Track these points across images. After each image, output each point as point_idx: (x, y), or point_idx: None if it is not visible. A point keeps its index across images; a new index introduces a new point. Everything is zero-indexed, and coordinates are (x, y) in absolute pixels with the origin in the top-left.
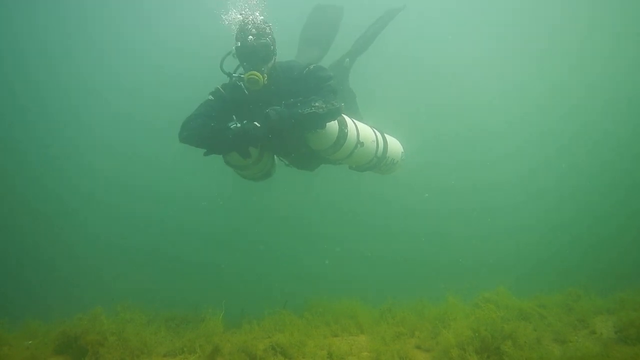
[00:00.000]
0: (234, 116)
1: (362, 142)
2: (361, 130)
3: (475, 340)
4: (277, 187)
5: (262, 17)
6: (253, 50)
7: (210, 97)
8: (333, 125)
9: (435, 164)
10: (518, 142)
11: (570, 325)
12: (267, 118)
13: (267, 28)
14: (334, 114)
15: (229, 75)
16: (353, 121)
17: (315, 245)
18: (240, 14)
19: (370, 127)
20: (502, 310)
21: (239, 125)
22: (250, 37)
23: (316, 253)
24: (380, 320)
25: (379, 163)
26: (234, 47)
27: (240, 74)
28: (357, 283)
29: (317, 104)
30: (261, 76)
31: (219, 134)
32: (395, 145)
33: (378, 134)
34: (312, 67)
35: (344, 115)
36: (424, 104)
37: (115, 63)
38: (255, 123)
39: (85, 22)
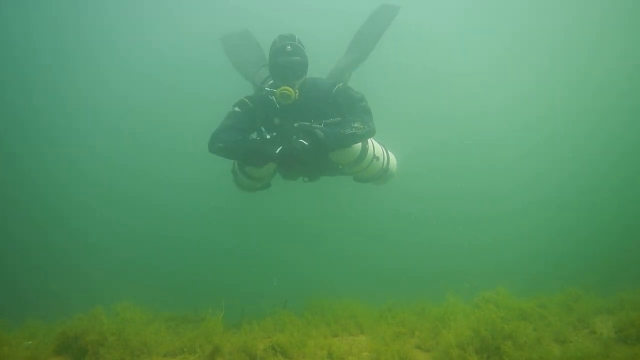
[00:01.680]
0: (262, 128)
1: (377, 157)
2: (375, 144)
3: (475, 340)
4: (277, 191)
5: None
6: (288, 65)
7: (237, 108)
8: None
9: (438, 169)
10: (518, 145)
11: (570, 325)
12: (315, 137)
13: (302, 45)
14: (370, 135)
15: (260, 88)
16: None
17: (315, 247)
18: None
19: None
20: (502, 311)
21: (268, 137)
22: (287, 53)
23: (316, 254)
24: (380, 320)
25: (383, 174)
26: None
27: (273, 89)
28: (357, 283)
29: (356, 125)
30: (293, 91)
31: (263, 148)
32: (392, 156)
33: (382, 146)
34: (340, 85)
35: None
36: (426, 110)
37: (113, 72)
38: (302, 141)
39: (81, 29)
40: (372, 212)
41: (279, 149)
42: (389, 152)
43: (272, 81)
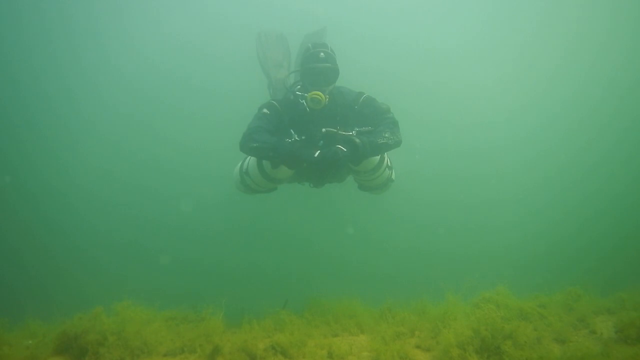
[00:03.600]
0: (292, 131)
1: (390, 166)
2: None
3: (475, 339)
4: (278, 193)
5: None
6: (321, 71)
7: (266, 110)
8: None
9: (442, 173)
10: (518, 133)
11: (570, 325)
12: (354, 144)
13: (334, 53)
14: (398, 145)
15: (291, 91)
16: None
17: (316, 248)
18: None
19: None
20: (502, 310)
21: (297, 139)
22: (320, 59)
23: (316, 254)
24: (380, 320)
25: (387, 183)
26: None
27: (304, 93)
28: (357, 283)
29: (386, 135)
30: (324, 96)
31: (302, 151)
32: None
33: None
34: (366, 96)
35: None
36: (434, 117)
37: (121, 62)
38: (341, 147)
39: (91, 20)
40: (374, 214)
41: (317, 153)
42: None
43: (299, 86)
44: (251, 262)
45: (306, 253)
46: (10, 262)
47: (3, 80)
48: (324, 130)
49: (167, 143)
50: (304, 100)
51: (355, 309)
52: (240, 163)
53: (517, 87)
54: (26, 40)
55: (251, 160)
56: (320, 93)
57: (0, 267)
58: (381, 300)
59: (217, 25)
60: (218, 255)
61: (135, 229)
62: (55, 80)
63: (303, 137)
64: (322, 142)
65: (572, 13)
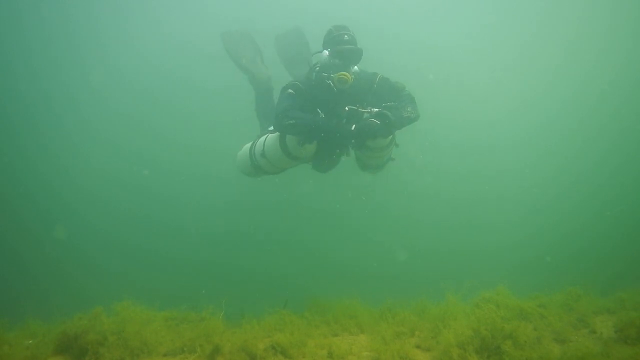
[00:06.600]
0: (318, 109)
1: (398, 144)
2: None
3: (475, 339)
4: (280, 191)
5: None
6: (348, 53)
7: (291, 91)
8: None
9: (444, 172)
10: (519, 133)
11: (570, 324)
12: (386, 118)
13: (355, 35)
14: (418, 119)
15: (318, 72)
16: None
17: (315, 246)
18: None
19: None
20: (502, 310)
21: (323, 116)
22: (345, 41)
23: (317, 254)
24: (380, 320)
25: (387, 162)
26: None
27: (331, 74)
28: (357, 283)
29: (409, 109)
30: (350, 76)
31: (339, 125)
32: None
33: None
34: (381, 76)
35: None
36: (437, 115)
37: (121, 62)
38: (374, 120)
39: (90, 19)
40: (374, 214)
41: (353, 127)
42: None
43: (318, 67)
44: (251, 262)
45: (306, 253)
46: (10, 262)
47: (3, 80)
48: (347, 108)
49: (167, 143)
50: (330, 81)
51: (355, 309)
52: (249, 145)
53: (519, 86)
54: (26, 40)
55: (269, 140)
56: (346, 73)
57: (0, 267)
58: (381, 300)
59: (217, 25)
60: (218, 255)
61: (135, 229)
62: (55, 80)
63: (324, 114)
64: (345, 119)
65: (573, 13)
